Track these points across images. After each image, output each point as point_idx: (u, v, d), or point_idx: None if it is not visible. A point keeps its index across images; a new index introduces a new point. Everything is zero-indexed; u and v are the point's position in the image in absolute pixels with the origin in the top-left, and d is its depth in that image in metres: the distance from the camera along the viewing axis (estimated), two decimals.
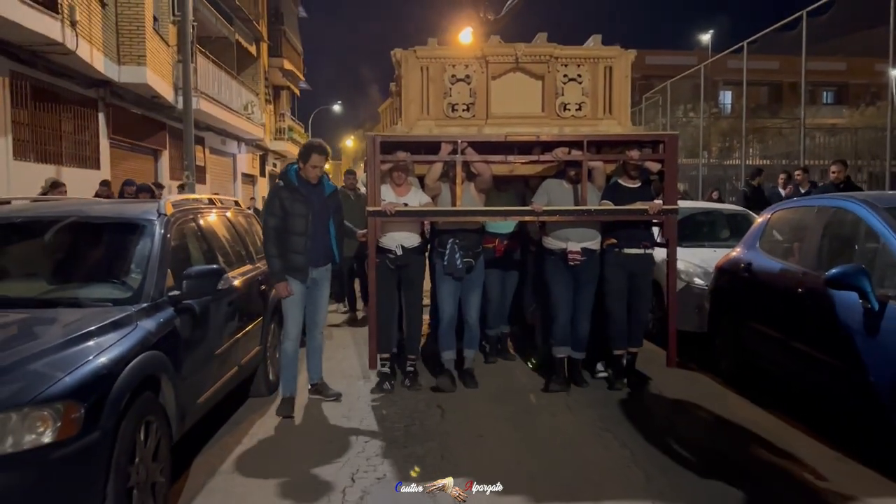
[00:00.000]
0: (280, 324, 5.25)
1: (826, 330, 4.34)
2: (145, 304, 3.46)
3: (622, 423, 4.65)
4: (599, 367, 5.73)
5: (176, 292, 3.69)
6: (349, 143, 61.04)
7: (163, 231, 3.95)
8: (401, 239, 5.39)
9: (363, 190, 8.30)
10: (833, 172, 8.49)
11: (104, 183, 10.12)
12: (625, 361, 5.54)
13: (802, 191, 9.94)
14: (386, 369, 5.55)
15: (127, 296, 3.49)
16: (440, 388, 5.37)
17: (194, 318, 3.80)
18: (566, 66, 5.70)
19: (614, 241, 5.46)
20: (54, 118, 11.35)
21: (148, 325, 3.33)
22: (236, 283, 4.68)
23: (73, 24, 10.14)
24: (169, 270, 3.80)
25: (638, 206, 5.35)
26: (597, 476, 3.81)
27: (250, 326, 4.90)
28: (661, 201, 5.42)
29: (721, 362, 5.78)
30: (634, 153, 5.35)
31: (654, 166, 5.48)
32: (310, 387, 5.25)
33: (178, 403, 3.46)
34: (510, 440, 4.39)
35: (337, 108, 49.06)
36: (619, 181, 5.52)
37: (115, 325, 3.15)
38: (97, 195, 9.41)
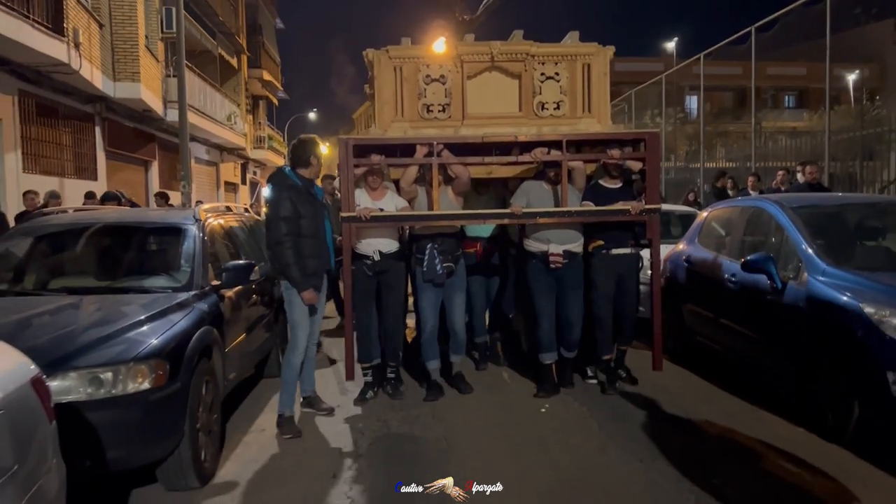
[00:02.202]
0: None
1: (743, 307, 5.34)
2: (196, 292, 4.32)
3: (579, 388, 5.58)
4: (589, 371, 5.74)
5: (217, 282, 4.56)
6: (324, 149, 61.79)
7: (200, 233, 4.81)
8: (378, 244, 5.21)
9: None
10: (809, 173, 8.78)
11: (89, 195, 10.56)
12: (612, 361, 5.57)
13: (753, 193, 10.90)
14: (369, 378, 5.42)
15: (181, 284, 4.35)
16: (428, 399, 5.30)
17: (231, 303, 4.66)
18: (543, 64, 5.57)
19: (601, 242, 5.39)
20: (56, 133, 12.11)
21: (201, 306, 4.20)
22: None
23: (77, 45, 10.93)
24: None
25: (620, 206, 5.27)
26: (559, 424, 4.75)
27: (266, 314, 5.73)
28: (643, 201, 5.34)
29: (667, 341, 6.73)
30: (615, 152, 5.26)
31: (636, 165, 5.38)
32: (301, 399, 5.03)
33: (223, 369, 4.33)
34: (489, 403, 5.28)
35: (312, 115, 49.85)
36: (600, 182, 5.47)
37: (180, 306, 4.02)
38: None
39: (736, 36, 15.01)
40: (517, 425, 4.76)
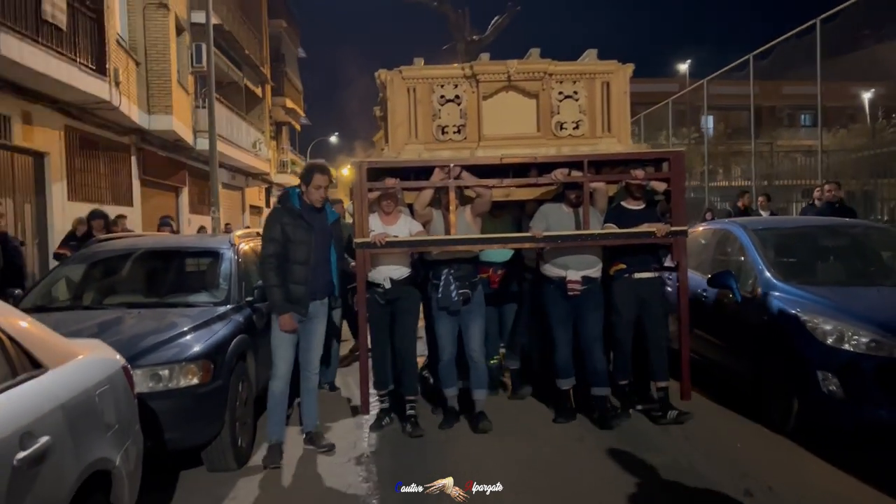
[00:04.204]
0: None
1: (711, 318, 6.02)
2: (232, 305, 5.10)
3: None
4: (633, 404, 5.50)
5: (249, 298, 5.33)
6: (345, 171, 63.02)
7: (235, 255, 5.60)
8: (389, 272, 5.11)
9: (348, 219, 7.91)
10: (828, 191, 8.86)
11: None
12: (656, 396, 5.37)
13: (763, 213, 11.30)
14: (386, 404, 5.34)
15: (221, 300, 5.14)
16: (444, 427, 5.20)
17: (262, 316, 5.43)
18: (561, 82, 5.45)
19: (623, 265, 5.25)
20: (97, 163, 13.07)
21: (238, 318, 4.97)
22: None
23: (118, 84, 11.90)
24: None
25: (644, 228, 5.14)
26: (546, 417, 5.46)
27: None
28: (668, 223, 5.24)
29: None
30: (639, 172, 5.13)
31: (660, 186, 5.26)
32: (304, 435, 4.96)
33: (256, 372, 5.10)
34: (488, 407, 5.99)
35: (334, 139, 51.17)
36: (622, 203, 5.34)
37: (220, 318, 4.80)
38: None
39: (737, 63, 15.77)
40: (511, 422, 5.37)
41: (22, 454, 2.12)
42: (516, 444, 4.92)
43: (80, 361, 2.74)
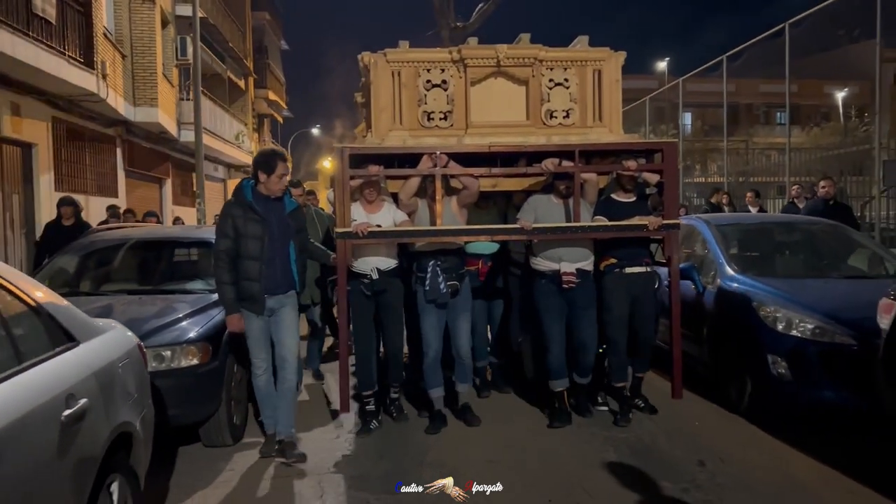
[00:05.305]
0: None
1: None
2: None
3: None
4: (599, 398, 5.47)
5: None
6: (326, 164, 62.95)
7: None
8: (375, 262, 4.96)
9: (328, 209, 7.50)
10: (822, 188, 8.81)
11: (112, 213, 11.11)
12: (628, 388, 5.31)
13: (752, 210, 11.69)
14: (371, 406, 5.11)
15: (215, 287, 5.44)
16: (431, 431, 4.99)
17: None
18: (552, 69, 5.34)
19: (614, 260, 5.16)
20: (83, 155, 13.25)
21: None
22: None
23: (105, 76, 12.10)
24: None
25: (636, 221, 5.09)
26: (520, 405, 5.83)
27: None
28: (660, 216, 5.20)
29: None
30: (631, 164, 5.04)
31: (652, 178, 5.20)
32: (276, 443, 4.59)
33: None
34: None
35: (316, 131, 51.23)
36: (613, 196, 5.25)
37: (216, 304, 5.08)
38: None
39: (710, 63, 16.28)
40: (503, 420, 5.42)
41: (68, 412, 2.45)
42: (494, 430, 5.18)
43: (104, 337, 3.08)
